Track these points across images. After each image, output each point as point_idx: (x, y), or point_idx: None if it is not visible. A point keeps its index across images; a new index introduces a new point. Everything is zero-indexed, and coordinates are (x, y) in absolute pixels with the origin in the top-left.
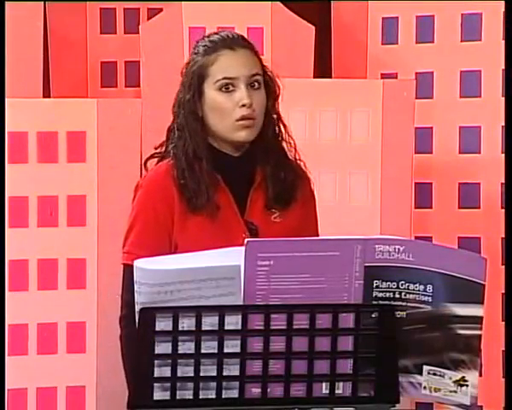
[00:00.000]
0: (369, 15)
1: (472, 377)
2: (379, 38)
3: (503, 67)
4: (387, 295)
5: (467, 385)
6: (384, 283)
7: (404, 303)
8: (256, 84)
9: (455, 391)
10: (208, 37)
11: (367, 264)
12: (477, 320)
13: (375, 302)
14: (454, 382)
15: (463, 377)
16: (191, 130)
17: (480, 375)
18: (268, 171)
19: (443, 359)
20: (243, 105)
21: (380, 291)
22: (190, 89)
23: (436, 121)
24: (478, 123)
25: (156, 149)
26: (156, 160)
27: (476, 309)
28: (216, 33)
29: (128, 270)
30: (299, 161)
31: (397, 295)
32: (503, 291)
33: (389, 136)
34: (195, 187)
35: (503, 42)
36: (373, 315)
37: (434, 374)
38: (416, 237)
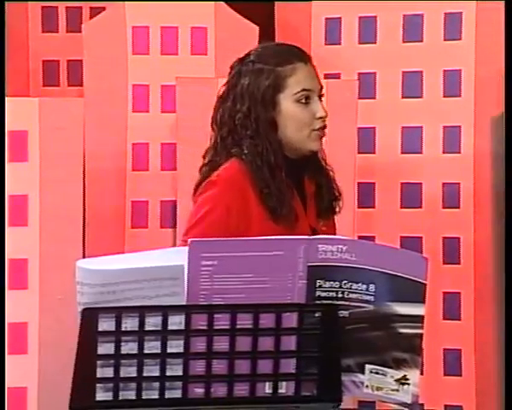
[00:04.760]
0: (312, 16)
1: (413, 375)
2: (322, 38)
3: (445, 68)
4: (330, 294)
5: (408, 384)
6: (327, 282)
7: (346, 303)
8: (321, 96)
9: (396, 390)
10: (265, 48)
11: (310, 263)
12: (418, 319)
13: (318, 302)
14: (396, 380)
15: (405, 375)
16: (270, 140)
17: (422, 373)
18: (324, 181)
19: (385, 358)
20: (320, 117)
21: (323, 291)
22: (265, 99)
23: (379, 121)
24: (420, 123)
25: (205, 155)
26: (208, 168)
27: (418, 308)
28: (276, 45)
29: None
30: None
31: (339, 295)
32: (444, 290)
33: (332, 136)
34: (280, 196)
35: (445, 42)
36: (316, 315)
37: (376, 373)
38: (359, 237)
